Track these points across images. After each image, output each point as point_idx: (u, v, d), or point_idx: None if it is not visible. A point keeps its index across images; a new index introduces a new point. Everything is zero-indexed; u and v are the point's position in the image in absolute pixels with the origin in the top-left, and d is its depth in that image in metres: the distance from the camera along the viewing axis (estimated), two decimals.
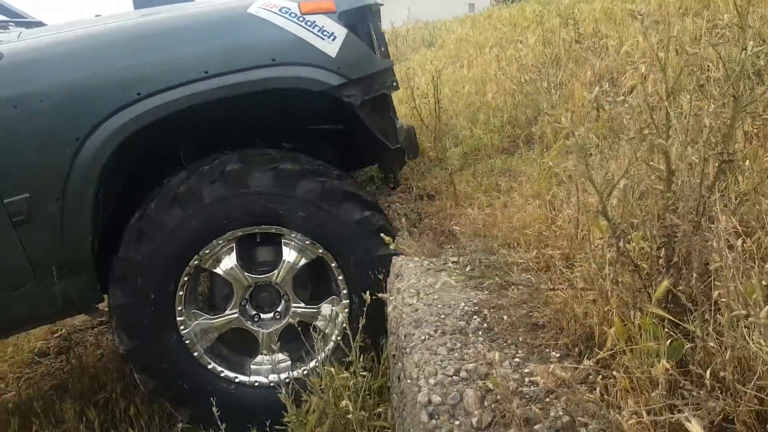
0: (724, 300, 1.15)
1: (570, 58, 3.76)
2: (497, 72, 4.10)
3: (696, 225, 1.41)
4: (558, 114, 2.72)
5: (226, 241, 2.30)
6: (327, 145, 2.82)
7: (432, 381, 1.50)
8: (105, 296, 2.39)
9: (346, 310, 2.36)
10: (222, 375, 2.44)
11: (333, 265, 2.35)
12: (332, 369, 1.87)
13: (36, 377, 3.17)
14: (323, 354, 2.36)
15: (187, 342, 2.35)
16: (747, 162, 1.66)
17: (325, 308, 2.47)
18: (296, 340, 2.46)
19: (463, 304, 1.80)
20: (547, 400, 1.31)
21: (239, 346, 2.58)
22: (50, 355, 3.46)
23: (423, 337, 1.71)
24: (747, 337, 1.11)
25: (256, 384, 2.45)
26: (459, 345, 1.61)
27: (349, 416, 1.76)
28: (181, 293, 2.31)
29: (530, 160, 2.61)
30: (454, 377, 1.48)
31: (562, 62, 3.68)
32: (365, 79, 2.31)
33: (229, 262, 2.34)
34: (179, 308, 2.33)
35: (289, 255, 2.35)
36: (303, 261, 2.35)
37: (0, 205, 2.03)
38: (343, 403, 1.72)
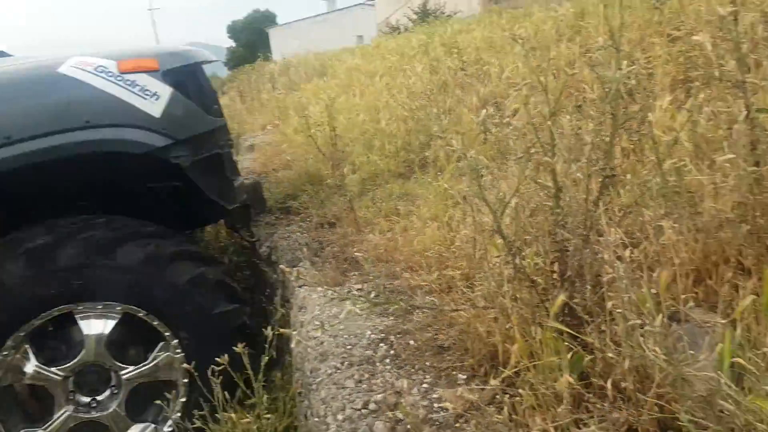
0: (618, 311, 1.19)
1: (456, 85, 3.90)
2: (389, 100, 4.17)
3: (585, 239, 1.46)
4: (449, 138, 2.79)
5: (18, 343, 2.08)
6: (170, 203, 2.67)
7: (340, 417, 1.44)
8: None
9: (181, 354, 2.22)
10: None
11: (166, 334, 2.21)
12: (233, 415, 1.75)
13: None
14: (179, 404, 2.24)
15: None
16: (627, 176, 1.77)
17: (163, 357, 2.30)
18: (151, 401, 2.31)
19: (369, 332, 1.76)
20: (457, 425, 1.29)
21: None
22: None
23: (329, 371, 1.65)
24: (643, 346, 1.15)
25: None
26: (367, 376, 1.56)
27: None
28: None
29: (426, 183, 2.64)
30: (363, 410, 1.44)
31: (450, 89, 3.81)
32: (195, 138, 2.25)
33: (30, 366, 2.11)
34: None
35: (89, 327, 2.15)
36: (110, 325, 2.17)
37: None
38: None
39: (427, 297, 1.80)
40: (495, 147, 2.70)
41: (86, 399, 2.22)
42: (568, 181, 1.43)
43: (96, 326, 2.14)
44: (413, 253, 2.11)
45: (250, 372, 1.82)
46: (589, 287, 1.42)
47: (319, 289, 2.20)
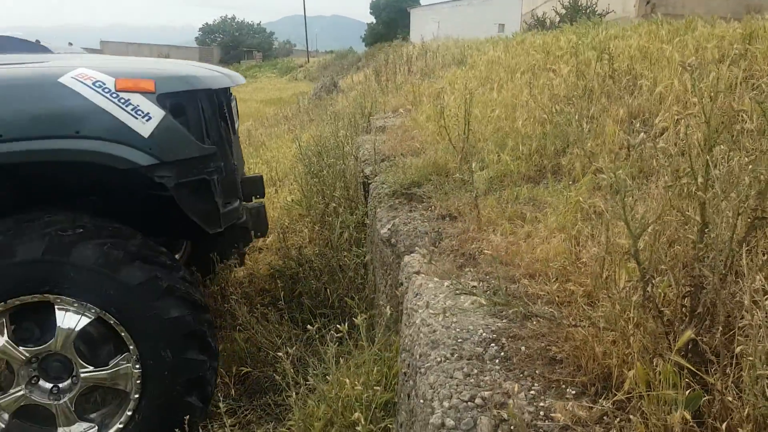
0: (750, 358, 1.16)
1: (603, 93, 3.77)
2: (528, 99, 4.12)
3: (723, 278, 1.42)
4: (588, 148, 2.74)
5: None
6: (163, 214, 2.78)
7: (446, 404, 1.52)
8: None
9: (138, 369, 2.32)
10: None
11: (131, 346, 2.32)
12: (346, 379, 1.89)
13: None
14: (125, 416, 2.34)
15: None
16: None
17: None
18: (103, 404, 2.47)
19: (481, 330, 1.81)
20: None
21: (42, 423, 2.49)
22: None
23: (439, 359, 1.72)
24: None
25: None
26: (475, 371, 1.62)
27: (358, 428, 1.78)
28: None
29: (557, 191, 2.62)
30: (469, 403, 1.50)
31: (595, 96, 3.70)
32: (181, 162, 2.31)
33: (0, 340, 2.27)
34: None
35: (65, 321, 2.29)
36: (83, 323, 2.30)
37: None
38: (356, 415, 1.74)
39: (546, 307, 1.82)
40: (636, 165, 2.62)
41: (48, 385, 2.39)
42: (718, 218, 1.39)
43: (70, 320, 2.29)
44: (534, 261, 2.13)
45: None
46: (720, 328, 1.38)
47: (436, 279, 2.28)
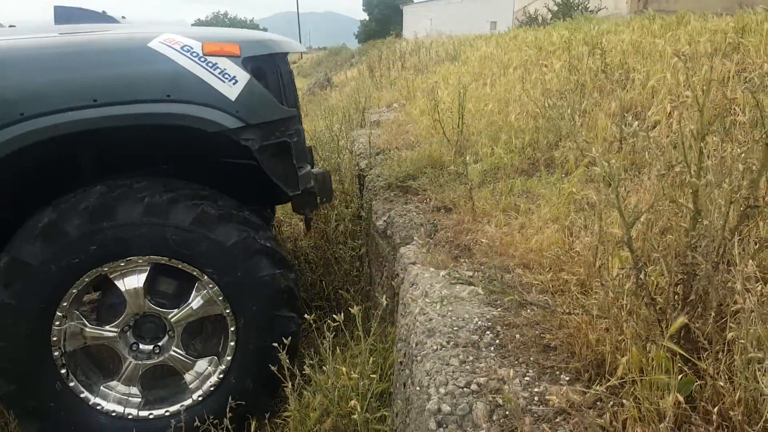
0: (742, 341, 1.18)
1: (595, 87, 3.79)
2: (521, 94, 4.14)
3: (715, 265, 1.44)
4: (584, 142, 2.76)
5: (143, 261, 2.31)
6: (244, 179, 2.83)
7: (443, 390, 1.53)
8: None
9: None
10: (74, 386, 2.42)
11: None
12: (343, 368, 1.90)
13: None
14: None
15: (54, 339, 2.30)
16: None
17: (201, 365, 2.52)
18: (158, 382, 2.53)
19: (477, 318, 1.83)
20: (557, 420, 1.34)
21: (101, 363, 2.58)
22: None
23: (435, 347, 1.74)
24: (759, 380, 1.14)
25: (97, 407, 2.43)
26: (471, 358, 1.64)
27: (354, 416, 1.79)
28: (65, 303, 2.28)
29: (550, 183, 2.64)
30: (465, 389, 1.52)
31: (587, 91, 3.72)
32: (265, 125, 2.34)
33: (135, 282, 2.34)
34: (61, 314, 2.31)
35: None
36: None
37: None
38: (352, 403, 1.75)
39: (540, 296, 1.84)
40: (628, 158, 2.65)
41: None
42: (712, 206, 1.41)
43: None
44: (528, 251, 2.15)
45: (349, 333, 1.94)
46: (712, 314, 1.41)
47: (432, 269, 2.29)
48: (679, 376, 1.32)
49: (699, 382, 1.34)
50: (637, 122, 2.67)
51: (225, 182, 2.57)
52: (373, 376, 1.89)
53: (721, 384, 1.27)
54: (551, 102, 3.70)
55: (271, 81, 2.43)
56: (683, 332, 1.45)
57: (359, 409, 1.76)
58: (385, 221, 3.11)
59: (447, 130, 3.63)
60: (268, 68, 2.44)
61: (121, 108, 2.13)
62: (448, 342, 1.75)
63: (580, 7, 15.58)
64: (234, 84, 2.22)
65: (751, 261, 1.43)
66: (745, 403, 1.23)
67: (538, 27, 10.25)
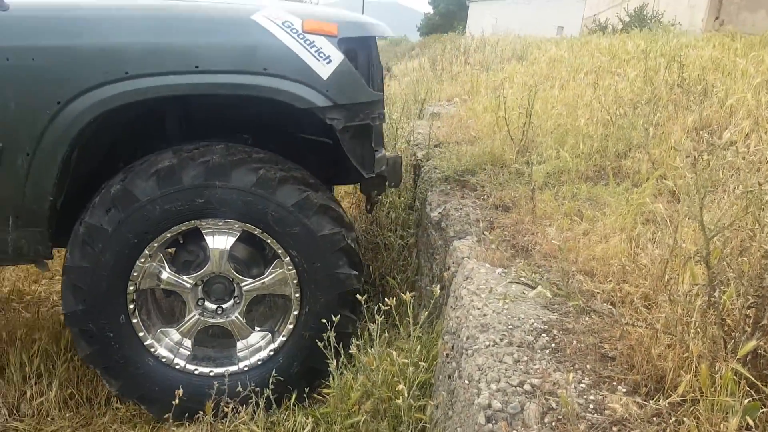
0: None
1: (670, 100, 3.67)
2: (591, 99, 4.04)
3: None
4: (658, 153, 2.68)
5: (238, 226, 2.37)
6: (319, 155, 2.87)
7: (494, 386, 1.52)
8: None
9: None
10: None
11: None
12: (393, 351, 1.90)
13: None
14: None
15: (134, 274, 2.38)
16: None
17: (254, 337, 2.59)
18: (210, 342, 2.59)
19: (532, 320, 1.80)
20: (613, 430, 1.31)
21: (161, 309, 2.68)
22: None
23: (488, 343, 1.72)
24: None
25: (151, 348, 2.50)
26: (525, 358, 1.62)
27: (399, 401, 1.80)
28: (155, 243, 2.35)
29: (617, 192, 2.57)
30: (518, 388, 1.50)
31: (662, 103, 3.60)
32: (351, 106, 2.34)
33: (224, 243, 2.40)
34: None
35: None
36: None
37: None
38: (400, 387, 1.75)
39: (605, 304, 1.80)
40: (703, 174, 2.55)
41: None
42: None
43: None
44: (590, 258, 2.10)
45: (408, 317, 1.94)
46: None
47: (488, 264, 2.27)
48: (746, 401, 1.27)
49: (764, 410, 1.29)
50: (715, 139, 2.57)
51: (295, 156, 2.60)
52: (422, 363, 1.88)
53: None
54: (623, 111, 3.60)
55: (361, 63, 2.45)
56: (750, 356, 1.40)
57: (405, 395, 1.76)
58: (440, 213, 3.10)
59: (511, 128, 3.58)
60: (361, 50, 2.45)
61: (220, 77, 2.18)
62: (501, 339, 1.73)
63: (653, 20, 15.09)
64: (328, 63, 2.24)
65: None
66: None
67: (614, 34, 9.98)
